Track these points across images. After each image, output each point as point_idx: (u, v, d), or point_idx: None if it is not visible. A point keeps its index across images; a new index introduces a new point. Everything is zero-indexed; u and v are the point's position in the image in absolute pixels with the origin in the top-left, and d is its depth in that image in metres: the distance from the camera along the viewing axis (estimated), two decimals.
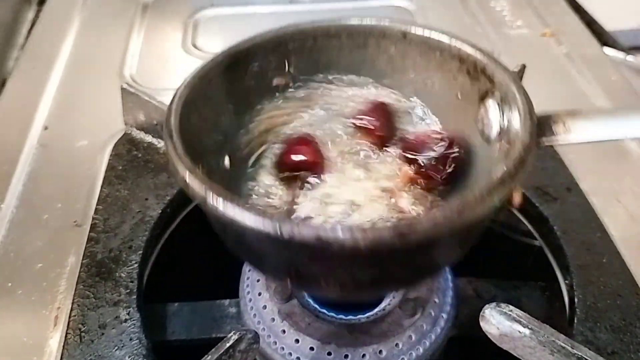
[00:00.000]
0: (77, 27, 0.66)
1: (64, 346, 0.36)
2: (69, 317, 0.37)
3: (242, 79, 0.36)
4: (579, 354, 0.28)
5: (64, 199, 0.45)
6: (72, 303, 0.38)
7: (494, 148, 0.32)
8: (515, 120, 0.30)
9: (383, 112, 0.36)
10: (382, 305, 0.38)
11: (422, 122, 0.37)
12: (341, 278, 0.29)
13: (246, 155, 0.36)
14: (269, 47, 0.36)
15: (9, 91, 0.57)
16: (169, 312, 0.41)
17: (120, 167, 0.47)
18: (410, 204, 0.33)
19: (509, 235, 0.50)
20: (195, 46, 0.64)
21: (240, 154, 0.36)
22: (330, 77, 0.38)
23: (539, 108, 0.58)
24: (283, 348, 0.37)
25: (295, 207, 0.32)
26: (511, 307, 0.30)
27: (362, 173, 0.34)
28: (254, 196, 0.34)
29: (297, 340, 0.37)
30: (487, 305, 0.30)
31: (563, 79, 0.59)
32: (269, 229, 0.23)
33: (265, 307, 0.38)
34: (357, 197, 0.33)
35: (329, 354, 0.36)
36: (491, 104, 0.33)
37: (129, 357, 0.35)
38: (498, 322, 0.30)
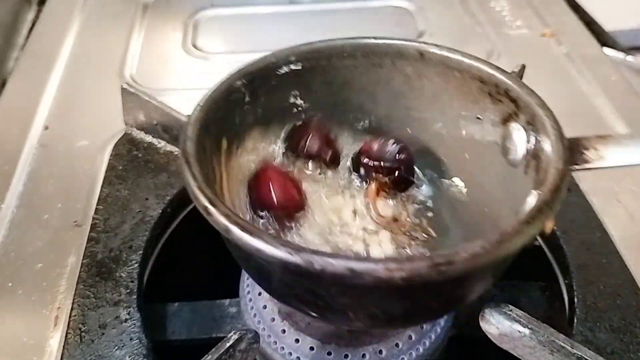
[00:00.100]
0: (77, 27, 0.66)
1: (64, 346, 0.36)
2: (69, 317, 0.37)
3: (257, 99, 0.35)
4: (579, 353, 0.29)
5: (64, 199, 0.45)
6: (73, 303, 0.38)
7: (519, 171, 0.31)
8: (545, 145, 0.29)
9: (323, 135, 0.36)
10: None
11: None
12: (370, 310, 0.28)
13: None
14: (283, 65, 0.36)
15: (9, 91, 0.57)
16: (169, 312, 0.41)
17: (121, 167, 0.47)
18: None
19: None
20: (195, 46, 0.64)
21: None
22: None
23: None
24: (283, 348, 0.37)
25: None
26: (511, 307, 0.30)
27: (341, 199, 0.35)
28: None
29: (297, 340, 0.37)
30: (486, 305, 0.30)
31: (563, 79, 0.59)
32: (299, 261, 0.23)
33: (265, 306, 0.38)
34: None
35: (329, 353, 0.36)
36: (516, 127, 0.32)
37: (129, 356, 0.35)
38: (498, 322, 0.30)
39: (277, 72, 0.35)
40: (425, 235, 0.34)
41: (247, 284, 0.40)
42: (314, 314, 0.31)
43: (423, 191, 0.37)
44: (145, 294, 0.40)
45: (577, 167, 0.29)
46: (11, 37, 0.68)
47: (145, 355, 0.35)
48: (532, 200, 0.28)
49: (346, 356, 0.36)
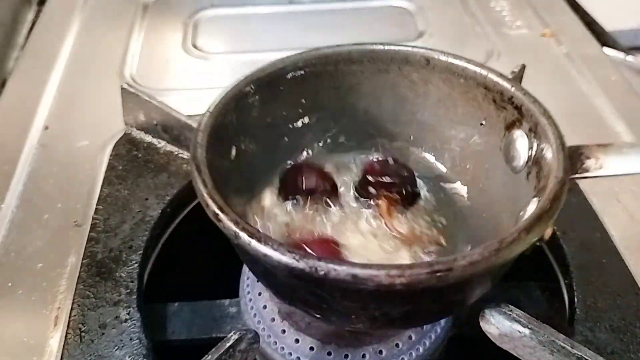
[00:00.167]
0: (77, 28, 0.66)
1: (64, 346, 0.36)
2: (69, 317, 0.37)
3: (266, 105, 0.36)
4: (579, 353, 0.29)
5: (64, 199, 0.45)
6: (73, 303, 0.38)
7: (521, 177, 0.32)
8: (547, 153, 0.30)
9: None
10: None
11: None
12: (371, 313, 0.29)
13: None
14: (290, 71, 0.36)
15: (9, 91, 0.57)
16: (169, 312, 0.41)
17: (121, 167, 0.47)
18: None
19: None
20: (195, 46, 0.64)
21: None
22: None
23: None
24: (283, 348, 0.37)
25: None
26: (511, 307, 0.30)
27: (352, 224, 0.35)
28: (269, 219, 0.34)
29: (297, 340, 0.37)
30: (486, 305, 0.30)
31: (563, 79, 0.59)
32: (304, 266, 0.23)
33: (265, 307, 0.38)
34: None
35: (329, 353, 0.36)
36: (519, 134, 0.33)
37: (129, 357, 0.35)
38: (498, 322, 0.30)
39: (285, 78, 0.36)
40: (438, 245, 0.34)
41: (247, 284, 0.40)
42: (317, 315, 0.32)
43: (429, 201, 0.37)
44: (145, 294, 0.40)
45: (577, 175, 0.30)
46: (11, 37, 0.68)
47: (145, 355, 0.35)
48: (532, 207, 0.28)
49: (346, 356, 0.36)
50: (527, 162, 0.32)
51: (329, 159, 0.39)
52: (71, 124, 0.53)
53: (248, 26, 0.69)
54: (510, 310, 0.30)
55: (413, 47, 0.36)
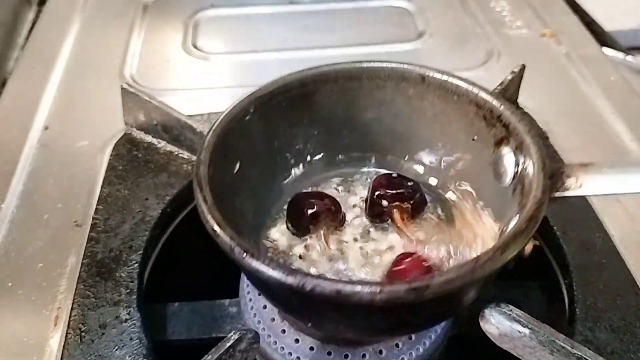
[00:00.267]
0: (77, 28, 0.66)
1: (64, 346, 0.36)
2: (70, 316, 0.37)
3: (268, 122, 0.37)
4: (579, 353, 0.29)
5: (64, 199, 0.45)
6: (73, 303, 0.38)
7: (508, 192, 0.33)
8: (529, 171, 0.31)
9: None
10: None
11: None
12: (358, 324, 0.31)
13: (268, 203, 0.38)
14: (292, 89, 0.37)
15: (9, 91, 0.57)
16: (169, 312, 0.41)
17: (121, 167, 0.47)
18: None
19: None
20: (195, 47, 0.64)
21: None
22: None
23: (539, 108, 0.58)
24: (283, 348, 0.37)
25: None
26: (511, 307, 0.30)
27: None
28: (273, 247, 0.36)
29: (297, 340, 0.37)
30: (486, 305, 0.31)
31: (562, 79, 0.59)
32: (292, 281, 0.25)
33: (265, 306, 0.38)
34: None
35: (329, 353, 0.36)
36: (506, 151, 0.34)
37: (129, 356, 0.35)
38: (498, 321, 0.30)
39: (287, 95, 0.37)
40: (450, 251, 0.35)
41: (247, 284, 0.40)
42: (309, 324, 0.34)
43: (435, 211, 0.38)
44: (145, 294, 0.40)
45: (557, 194, 0.31)
46: (11, 37, 0.68)
47: (145, 355, 0.35)
48: (513, 223, 0.29)
49: (346, 356, 0.36)
50: (514, 178, 0.33)
51: (329, 177, 0.40)
52: (71, 124, 0.53)
53: (248, 26, 0.69)
54: (510, 310, 0.30)
55: (409, 63, 0.37)
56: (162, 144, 0.49)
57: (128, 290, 0.39)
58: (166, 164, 0.48)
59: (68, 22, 0.67)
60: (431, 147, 0.39)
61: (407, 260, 0.33)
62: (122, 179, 0.46)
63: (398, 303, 0.25)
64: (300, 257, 0.35)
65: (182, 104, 0.49)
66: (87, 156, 0.49)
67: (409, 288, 0.24)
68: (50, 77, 0.58)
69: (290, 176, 0.39)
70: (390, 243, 0.36)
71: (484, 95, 0.35)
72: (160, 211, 0.44)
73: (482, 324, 0.30)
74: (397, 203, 0.36)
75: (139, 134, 0.50)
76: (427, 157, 0.39)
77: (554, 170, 0.31)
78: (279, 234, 0.36)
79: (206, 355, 0.29)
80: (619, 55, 0.66)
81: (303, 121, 0.39)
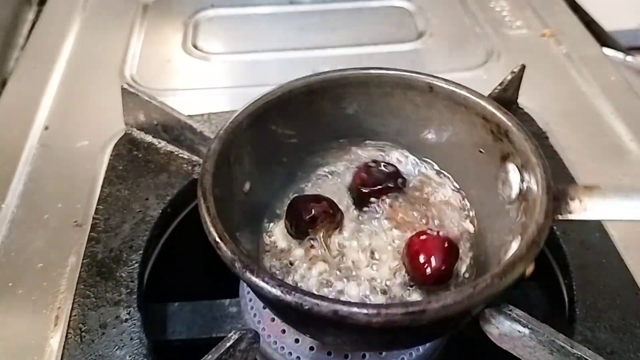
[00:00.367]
0: (77, 28, 0.66)
1: (64, 346, 0.36)
2: (70, 316, 0.37)
3: (274, 127, 0.37)
4: (579, 353, 0.29)
5: (64, 199, 0.45)
6: (73, 303, 0.38)
7: (513, 207, 0.33)
8: (534, 191, 0.31)
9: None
10: None
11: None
12: (355, 340, 0.31)
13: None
14: (300, 94, 0.37)
15: (9, 91, 0.57)
16: (170, 312, 0.41)
17: (121, 167, 0.47)
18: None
19: None
20: (195, 47, 0.64)
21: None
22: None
23: (539, 108, 0.58)
24: (283, 347, 0.37)
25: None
26: (511, 307, 0.30)
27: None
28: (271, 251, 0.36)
29: (297, 340, 0.37)
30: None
31: (562, 79, 0.59)
32: (291, 300, 0.25)
33: (265, 306, 0.38)
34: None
35: (329, 353, 0.36)
36: (512, 167, 0.34)
37: (129, 356, 0.35)
38: (498, 321, 0.30)
39: (295, 100, 0.37)
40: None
41: None
42: (306, 334, 0.35)
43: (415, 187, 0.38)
44: (145, 293, 0.40)
45: (560, 217, 0.30)
46: (11, 37, 0.68)
47: (145, 355, 0.35)
48: (514, 246, 0.29)
49: (346, 356, 0.36)
50: (519, 195, 0.33)
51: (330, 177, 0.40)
52: (71, 124, 0.53)
53: (248, 26, 0.69)
54: (510, 310, 0.30)
55: (418, 72, 0.37)
56: (162, 144, 0.49)
57: (128, 290, 0.39)
58: (166, 164, 0.48)
59: (68, 22, 0.67)
60: (438, 155, 0.39)
61: (423, 240, 0.33)
62: (122, 179, 0.46)
63: (395, 326, 0.25)
64: (300, 261, 0.35)
65: (182, 104, 0.49)
66: (88, 156, 0.49)
67: (406, 312, 0.25)
68: (51, 77, 0.58)
69: (293, 179, 0.40)
70: (390, 235, 0.36)
71: (492, 108, 0.34)
72: (160, 211, 0.44)
73: (482, 324, 0.30)
74: (383, 197, 0.37)
75: (139, 134, 0.50)
76: (433, 165, 0.39)
77: (559, 192, 0.30)
78: (279, 233, 0.36)
79: (206, 355, 0.29)
80: (619, 55, 0.66)
81: (309, 126, 0.39)
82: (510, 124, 0.33)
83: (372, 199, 0.37)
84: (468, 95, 0.35)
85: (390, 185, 0.37)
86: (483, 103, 0.35)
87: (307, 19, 0.70)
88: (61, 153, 0.50)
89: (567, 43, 0.64)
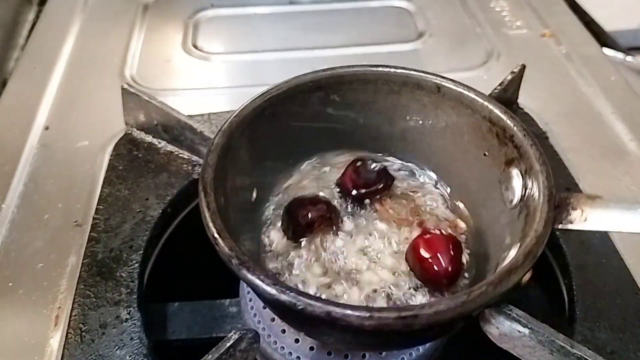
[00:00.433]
0: (77, 28, 0.66)
1: (64, 346, 0.36)
2: (70, 316, 0.37)
3: (278, 122, 0.37)
4: (579, 353, 0.29)
5: (64, 199, 0.45)
6: (73, 302, 0.38)
7: (514, 214, 0.33)
8: (535, 199, 0.30)
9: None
10: None
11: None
12: (348, 341, 0.32)
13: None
14: (305, 89, 0.37)
15: (9, 91, 0.57)
16: (170, 312, 0.41)
17: (121, 167, 0.47)
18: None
19: None
20: (195, 47, 0.65)
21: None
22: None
23: (539, 108, 0.58)
24: (283, 347, 0.37)
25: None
26: (511, 307, 0.30)
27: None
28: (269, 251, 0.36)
29: (297, 340, 0.37)
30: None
31: (562, 80, 0.59)
32: (285, 299, 0.26)
33: (265, 306, 0.38)
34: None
35: (329, 353, 0.36)
36: (515, 173, 0.33)
37: (129, 356, 0.35)
38: (498, 321, 0.30)
39: (300, 95, 0.37)
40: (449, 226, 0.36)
41: None
42: (302, 332, 0.35)
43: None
44: (145, 293, 0.40)
45: (560, 226, 0.30)
46: (12, 37, 0.68)
47: (145, 355, 0.35)
48: (513, 253, 0.29)
49: (346, 356, 0.36)
50: (520, 201, 0.32)
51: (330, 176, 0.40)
52: (72, 124, 0.53)
53: (248, 26, 0.69)
54: (510, 310, 0.30)
55: (426, 72, 0.37)
56: (162, 144, 0.49)
57: (128, 290, 0.39)
58: (166, 164, 0.48)
59: (68, 22, 0.67)
60: (443, 156, 0.39)
61: (430, 242, 0.33)
62: (122, 179, 0.46)
63: (387, 330, 0.25)
64: (298, 264, 0.35)
65: (182, 104, 0.49)
66: (88, 156, 0.49)
67: (398, 316, 0.25)
68: (51, 77, 0.58)
69: (296, 177, 0.40)
70: (387, 235, 0.36)
71: (498, 112, 0.34)
72: (160, 211, 0.44)
73: (481, 323, 0.30)
74: (377, 197, 0.37)
75: (140, 134, 0.50)
76: (438, 166, 0.39)
77: (560, 200, 0.30)
78: (278, 236, 0.36)
79: (206, 355, 0.29)
80: (619, 55, 0.66)
81: (315, 122, 0.38)
82: (516, 129, 0.33)
83: (365, 200, 0.37)
84: (475, 97, 0.35)
85: (381, 185, 0.37)
86: (490, 106, 0.35)
87: (307, 19, 0.70)
88: (61, 153, 0.50)
89: (567, 43, 0.64)
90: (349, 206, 0.37)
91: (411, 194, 0.38)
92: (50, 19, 0.68)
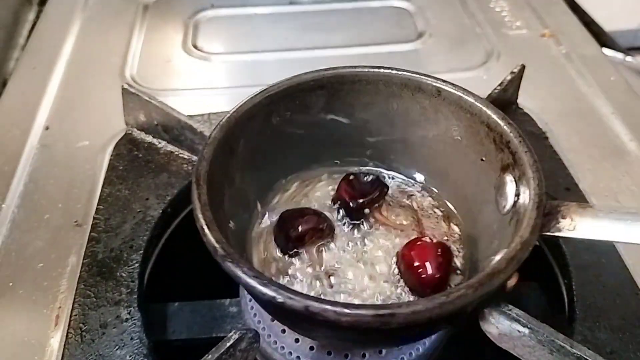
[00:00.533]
0: (77, 28, 0.66)
1: (64, 345, 0.36)
2: (70, 316, 0.37)
3: (278, 119, 0.37)
4: (578, 353, 0.29)
5: (65, 199, 0.45)
6: (73, 302, 0.38)
7: (506, 218, 0.33)
8: (525, 206, 0.30)
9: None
10: None
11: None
12: (329, 335, 0.32)
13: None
14: (306, 88, 0.37)
15: (10, 91, 0.57)
16: (170, 312, 0.41)
17: (121, 167, 0.47)
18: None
19: None
20: (195, 47, 0.65)
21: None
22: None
23: (539, 108, 0.58)
24: (283, 347, 0.37)
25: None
26: (510, 307, 0.30)
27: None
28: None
29: (297, 340, 0.37)
30: (486, 305, 0.31)
31: (562, 80, 0.59)
32: (266, 292, 0.26)
33: None
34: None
35: (329, 353, 0.36)
36: (509, 179, 0.33)
37: (129, 356, 0.35)
38: (497, 321, 0.30)
39: (300, 94, 0.37)
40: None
41: None
42: (290, 328, 0.35)
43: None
44: (145, 293, 0.40)
45: (548, 233, 0.30)
46: (12, 37, 0.68)
47: (145, 355, 0.35)
48: (499, 257, 0.29)
49: (346, 356, 0.36)
50: (513, 207, 0.32)
51: (329, 177, 0.40)
52: (72, 124, 0.53)
53: (248, 26, 0.69)
54: (510, 310, 0.30)
55: (427, 75, 0.37)
56: (162, 144, 0.49)
57: (129, 290, 0.39)
58: (166, 164, 0.48)
59: (69, 22, 0.67)
60: (443, 160, 0.39)
61: (419, 249, 0.33)
62: (122, 179, 0.46)
63: (364, 327, 0.25)
64: (292, 277, 0.35)
65: (182, 104, 0.49)
66: (88, 156, 0.49)
67: (375, 314, 0.25)
68: (51, 77, 0.58)
69: (291, 175, 0.39)
70: (381, 244, 0.36)
71: (496, 118, 0.34)
72: (160, 211, 0.44)
73: (481, 323, 0.30)
74: (375, 205, 0.37)
75: (140, 134, 0.50)
76: (438, 169, 0.39)
77: (551, 208, 0.30)
78: (272, 247, 0.36)
79: (206, 355, 0.29)
80: (619, 55, 0.66)
81: (314, 121, 0.38)
82: (512, 135, 0.33)
83: (361, 211, 0.37)
84: (474, 102, 0.35)
85: (376, 194, 0.37)
86: (488, 111, 0.35)
87: (307, 19, 0.70)
88: (61, 153, 0.50)
89: (567, 43, 0.64)
90: (346, 218, 0.37)
91: (407, 201, 0.38)
92: (50, 19, 0.68)
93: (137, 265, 0.40)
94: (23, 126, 0.52)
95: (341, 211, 0.37)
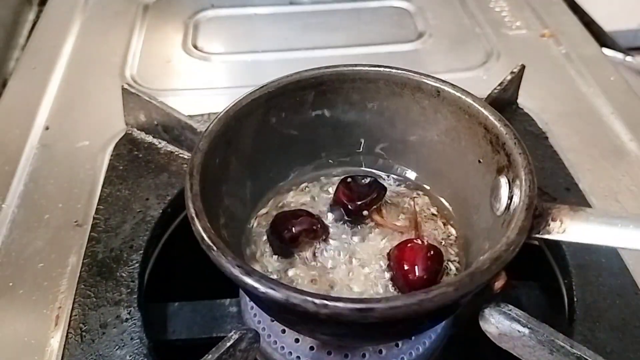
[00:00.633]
0: (78, 28, 0.66)
1: (65, 345, 0.36)
2: (70, 316, 0.37)
3: (277, 116, 0.37)
4: (578, 353, 0.29)
5: (65, 199, 0.45)
6: (73, 302, 0.38)
7: (500, 220, 0.33)
8: (516, 207, 0.30)
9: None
10: None
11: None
12: (311, 328, 0.31)
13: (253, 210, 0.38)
14: (306, 85, 0.37)
15: (10, 91, 0.57)
16: (170, 312, 0.41)
17: (121, 167, 0.47)
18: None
19: None
20: (195, 47, 0.65)
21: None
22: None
23: (538, 108, 0.58)
24: (283, 347, 0.37)
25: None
26: (510, 307, 0.30)
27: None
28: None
29: (297, 340, 0.37)
30: (486, 305, 0.31)
31: (562, 80, 0.59)
32: (248, 281, 0.26)
33: None
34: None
35: (329, 353, 0.36)
36: (504, 181, 0.33)
37: (129, 356, 0.35)
38: (497, 321, 0.30)
39: (300, 91, 0.37)
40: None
41: None
42: (279, 322, 0.35)
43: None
44: (145, 293, 0.40)
45: (537, 235, 0.30)
46: (12, 37, 0.68)
47: (145, 355, 0.35)
48: (483, 257, 0.29)
49: (346, 356, 0.36)
50: (506, 209, 0.32)
51: (327, 177, 0.40)
52: (72, 124, 0.53)
53: (248, 26, 0.69)
54: (510, 310, 0.30)
55: (427, 75, 0.37)
56: (162, 144, 0.49)
57: (129, 290, 0.39)
58: (167, 164, 0.48)
59: (69, 22, 0.67)
60: (442, 161, 0.39)
61: (408, 251, 0.33)
62: (122, 179, 0.46)
63: (343, 320, 0.25)
64: (289, 280, 0.34)
65: (182, 104, 0.49)
66: (88, 156, 0.49)
67: (353, 308, 0.25)
68: (51, 77, 0.58)
69: (289, 174, 0.39)
70: (377, 245, 0.36)
71: (493, 119, 0.34)
72: (160, 211, 0.44)
73: (481, 323, 0.30)
74: (374, 207, 0.37)
75: (140, 134, 0.50)
76: (436, 170, 0.39)
77: (541, 210, 0.30)
78: (267, 250, 0.36)
79: (206, 355, 0.29)
80: (619, 55, 0.66)
81: (313, 119, 0.38)
82: (507, 136, 0.33)
83: (359, 213, 0.37)
84: (472, 103, 0.35)
85: (375, 195, 0.37)
86: (486, 113, 0.34)
87: (307, 19, 0.70)
88: (62, 153, 0.50)
89: (567, 43, 0.64)
90: (344, 220, 0.37)
91: (404, 203, 0.38)
92: (50, 19, 0.68)
93: (137, 265, 0.40)
94: (23, 126, 0.52)
95: (339, 213, 0.37)
